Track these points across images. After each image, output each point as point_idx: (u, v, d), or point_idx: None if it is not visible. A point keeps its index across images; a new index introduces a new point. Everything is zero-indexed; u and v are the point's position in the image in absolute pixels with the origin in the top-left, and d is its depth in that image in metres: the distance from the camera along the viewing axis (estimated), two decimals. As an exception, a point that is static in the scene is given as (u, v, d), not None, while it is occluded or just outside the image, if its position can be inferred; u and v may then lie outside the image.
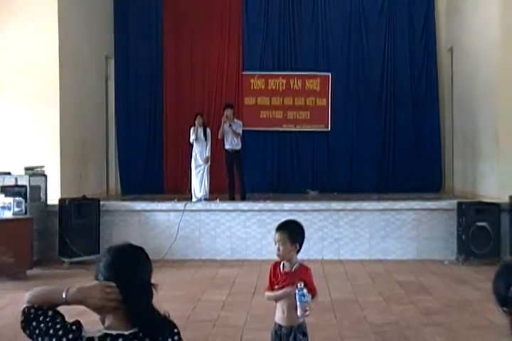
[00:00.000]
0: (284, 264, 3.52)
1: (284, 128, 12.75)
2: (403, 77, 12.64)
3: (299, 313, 3.30)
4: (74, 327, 1.87)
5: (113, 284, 1.90)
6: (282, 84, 12.80)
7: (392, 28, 12.67)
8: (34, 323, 1.88)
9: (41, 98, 9.87)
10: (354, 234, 9.19)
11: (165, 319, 1.94)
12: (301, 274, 3.46)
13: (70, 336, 1.84)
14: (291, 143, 12.73)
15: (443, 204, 9.38)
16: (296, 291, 3.28)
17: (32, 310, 1.91)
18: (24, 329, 1.90)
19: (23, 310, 1.92)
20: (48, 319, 1.88)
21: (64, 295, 1.90)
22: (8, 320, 3.13)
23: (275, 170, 12.57)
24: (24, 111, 9.91)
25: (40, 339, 1.86)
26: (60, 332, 1.85)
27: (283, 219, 3.80)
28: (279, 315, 3.50)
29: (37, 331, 1.87)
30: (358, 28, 12.67)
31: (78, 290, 1.90)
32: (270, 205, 9.39)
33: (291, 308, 3.37)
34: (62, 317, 1.92)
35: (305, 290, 3.27)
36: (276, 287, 3.51)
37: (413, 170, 12.25)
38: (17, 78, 9.90)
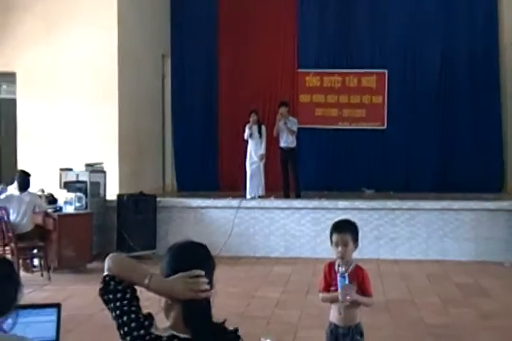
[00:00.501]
0: (339, 264, 3.44)
1: (340, 126, 12.65)
2: (462, 73, 12.31)
3: (339, 296, 3.28)
4: (146, 323, 1.85)
5: (199, 272, 1.86)
6: (338, 82, 12.70)
7: (451, 22, 12.33)
8: (111, 296, 1.88)
9: (101, 96, 10.13)
10: (410, 233, 9.05)
11: (224, 329, 1.89)
12: (358, 275, 3.40)
13: (142, 332, 1.82)
14: (347, 140, 12.62)
15: (504, 204, 9.11)
16: (338, 276, 3.29)
17: (112, 283, 1.91)
18: (102, 296, 1.92)
19: (104, 278, 1.94)
20: (124, 302, 1.87)
21: (146, 281, 1.87)
22: (69, 311, 3.25)
23: (330, 168, 12.48)
24: (85, 109, 10.20)
25: (113, 314, 1.87)
26: (133, 325, 1.84)
27: (336, 219, 3.73)
28: (335, 315, 3.45)
29: (111, 305, 1.88)
30: (415, 23, 12.41)
31: (163, 281, 1.86)
32: (325, 203, 9.35)
33: (349, 309, 3.36)
34: (138, 303, 1.90)
35: (346, 274, 3.28)
36: (332, 288, 3.43)
37: (472, 169, 11.93)
38: (78, 77, 10.20)
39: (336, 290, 3.37)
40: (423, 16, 12.41)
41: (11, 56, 10.43)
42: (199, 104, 12.76)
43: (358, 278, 3.37)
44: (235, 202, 9.43)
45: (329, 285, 3.45)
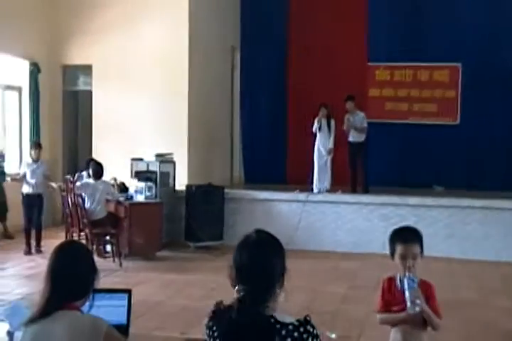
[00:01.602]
0: (401, 279, 2.97)
1: (410, 120, 12.36)
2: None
3: (408, 305, 2.82)
4: None
5: None
6: (409, 76, 12.41)
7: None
8: None
9: (171, 88, 10.32)
10: (483, 232, 8.75)
11: None
12: (424, 291, 2.92)
13: None
14: (417, 135, 12.31)
15: None
16: (405, 279, 2.86)
17: None
18: None
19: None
20: None
21: None
22: (139, 297, 3.33)
23: (399, 163, 12.22)
24: (156, 100, 10.41)
25: None
26: None
27: (397, 226, 3.21)
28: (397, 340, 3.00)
29: None
30: (491, 15, 11.91)
31: None
32: (394, 199, 9.18)
33: (415, 333, 2.93)
34: None
35: (415, 278, 2.84)
36: (394, 308, 2.97)
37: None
38: (150, 69, 10.42)
39: (399, 310, 2.93)
40: (499, 8, 11.91)
41: (88, 49, 10.77)
42: (268, 96, 12.77)
43: (425, 294, 2.90)
44: (302, 196, 9.41)
45: (389, 304, 3.00)
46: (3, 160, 9.74)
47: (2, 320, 3.54)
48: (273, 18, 12.64)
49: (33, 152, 8.60)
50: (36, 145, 8.81)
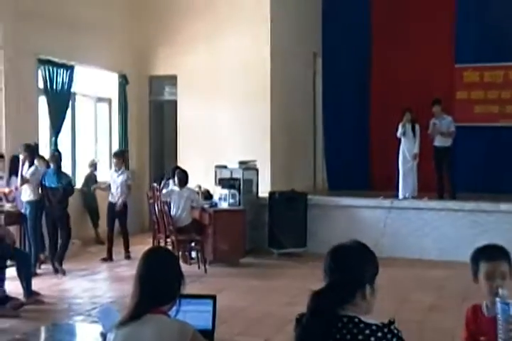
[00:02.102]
0: (487, 306, 2.60)
1: (501, 123, 11.86)
2: None
3: (500, 334, 2.31)
4: None
5: None
6: (500, 77, 11.92)
7: None
8: None
9: (254, 96, 10.45)
10: None
11: None
12: None
13: None
14: (509, 139, 11.79)
15: None
16: (498, 303, 2.35)
17: None
18: None
19: None
20: None
21: None
22: (223, 303, 3.37)
23: (489, 168, 11.71)
24: (239, 109, 10.57)
25: None
26: None
27: (481, 244, 2.76)
28: None
29: None
30: None
31: None
32: (483, 206, 8.81)
33: None
34: None
35: (510, 303, 2.32)
36: (482, 338, 2.59)
37: None
38: (233, 78, 10.61)
39: None
40: None
41: (174, 60, 11.11)
42: (350, 102, 12.63)
43: None
44: (386, 202, 9.22)
45: (475, 334, 2.62)
46: (96, 169, 10.18)
47: (95, 322, 3.70)
48: (355, 22, 12.51)
49: (114, 161, 8.86)
50: (117, 154, 9.02)
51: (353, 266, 2.02)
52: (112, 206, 8.67)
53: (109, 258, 8.43)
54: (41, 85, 9.12)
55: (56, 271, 7.66)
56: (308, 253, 8.71)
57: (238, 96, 10.62)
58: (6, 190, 7.87)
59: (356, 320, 1.95)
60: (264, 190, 9.59)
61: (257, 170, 9.46)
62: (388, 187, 10.66)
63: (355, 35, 12.51)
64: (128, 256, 8.46)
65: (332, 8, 12.61)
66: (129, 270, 7.23)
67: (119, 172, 8.68)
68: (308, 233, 9.16)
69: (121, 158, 8.85)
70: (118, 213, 8.63)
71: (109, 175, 8.96)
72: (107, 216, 8.84)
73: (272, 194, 9.32)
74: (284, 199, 9.12)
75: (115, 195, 8.60)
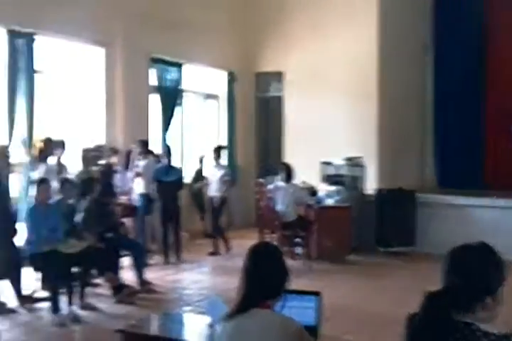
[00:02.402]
0: None
1: None
2: None
3: None
4: None
5: None
6: None
7: None
8: None
9: (361, 91, 10.28)
10: None
11: None
12: None
13: None
14: None
15: None
16: None
17: None
18: None
19: None
20: None
21: None
22: (327, 300, 3.34)
23: None
24: (345, 104, 10.45)
25: None
26: None
27: None
28: None
29: None
30: None
31: None
32: None
33: None
34: None
35: None
36: None
37: None
38: (339, 75, 10.51)
39: None
40: None
41: (280, 57, 11.18)
42: (463, 97, 12.05)
43: None
44: (502, 202, 8.75)
45: None
46: (203, 165, 10.45)
47: (203, 313, 3.81)
48: (469, 11, 11.91)
49: (213, 157, 8.88)
50: (215, 149, 8.98)
51: (473, 271, 1.88)
52: (211, 200, 8.82)
53: (215, 251, 8.63)
54: (153, 83, 9.50)
55: (168, 262, 7.98)
56: (416, 253, 8.47)
57: (345, 91, 10.50)
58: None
59: (474, 327, 1.84)
60: (370, 187, 9.42)
61: (363, 167, 9.31)
62: (504, 186, 10.12)
63: (468, 26, 11.91)
64: (227, 249, 8.59)
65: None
66: (234, 263, 7.37)
67: (218, 167, 8.77)
68: (417, 232, 8.89)
69: (218, 153, 8.88)
70: (215, 208, 8.72)
71: (209, 171, 9.09)
72: (208, 211, 9.05)
73: (378, 191, 9.14)
74: (391, 197, 8.91)
75: (214, 190, 8.70)
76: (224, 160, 8.94)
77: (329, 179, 9.08)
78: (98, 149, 7.85)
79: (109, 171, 7.11)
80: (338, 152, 9.61)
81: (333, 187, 8.61)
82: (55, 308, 5.40)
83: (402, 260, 8.34)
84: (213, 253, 8.58)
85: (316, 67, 10.79)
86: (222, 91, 11.32)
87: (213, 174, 8.78)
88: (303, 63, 10.91)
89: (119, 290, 6.14)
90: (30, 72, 7.32)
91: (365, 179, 9.33)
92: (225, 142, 11.27)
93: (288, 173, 8.17)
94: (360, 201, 9.18)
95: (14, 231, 5.91)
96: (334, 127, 10.56)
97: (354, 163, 9.22)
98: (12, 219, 5.95)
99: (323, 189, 8.82)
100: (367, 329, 5.27)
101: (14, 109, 7.16)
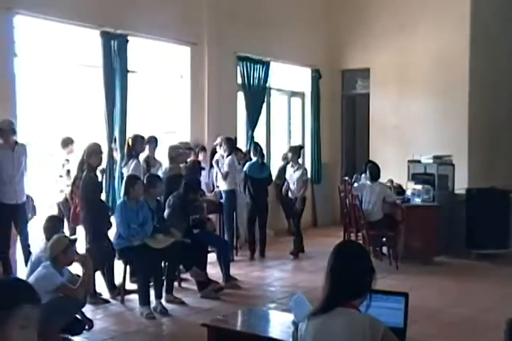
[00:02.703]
0: None
1: None
2: None
3: None
4: None
5: None
6: None
7: None
8: None
9: (451, 88, 9.99)
10: None
11: None
12: None
13: None
14: None
15: None
16: None
17: None
18: None
19: None
20: None
21: None
22: (415, 302, 3.25)
23: None
24: (434, 101, 10.18)
25: None
26: None
27: None
28: None
29: None
30: None
31: None
32: None
33: None
34: None
35: None
36: None
37: None
38: (428, 70, 10.25)
39: None
40: None
41: (366, 54, 11.02)
42: None
43: None
44: None
45: None
46: (288, 163, 10.44)
47: (287, 310, 3.81)
48: None
49: (291, 156, 8.62)
50: (294, 149, 8.70)
51: None
52: (289, 201, 8.62)
53: (297, 250, 8.48)
54: (239, 81, 9.61)
55: (253, 259, 8.06)
56: (510, 255, 8.09)
57: (433, 88, 10.22)
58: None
59: None
60: (460, 186, 9.08)
61: (453, 166, 8.99)
62: None
63: None
64: (297, 252, 8.40)
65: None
66: (319, 262, 7.33)
67: (295, 167, 8.50)
68: (511, 233, 8.48)
69: (298, 153, 8.61)
70: (294, 209, 8.49)
71: (287, 171, 8.78)
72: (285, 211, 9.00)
73: (469, 190, 8.78)
74: (483, 197, 8.54)
75: (293, 191, 8.47)
76: (301, 160, 8.77)
77: (417, 178, 8.85)
78: (184, 146, 8.03)
79: (195, 168, 7.25)
80: (426, 150, 9.36)
81: (421, 186, 8.36)
82: (144, 301, 5.58)
83: (494, 263, 7.98)
84: (295, 252, 8.52)
85: (403, 63, 10.56)
86: (308, 88, 11.29)
87: (291, 174, 8.56)
88: (390, 59, 10.70)
89: (205, 285, 6.26)
90: (124, 72, 7.60)
91: (454, 178, 9.01)
92: (309, 140, 11.25)
93: (374, 172, 8.03)
94: (450, 201, 8.86)
95: (109, 225, 6.15)
96: (422, 125, 10.29)
97: (443, 161, 8.93)
98: (107, 213, 6.19)
99: (410, 188, 8.60)
100: (456, 334, 5.08)
101: (111, 108, 7.46)
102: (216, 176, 8.31)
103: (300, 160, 9.03)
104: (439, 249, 8.16)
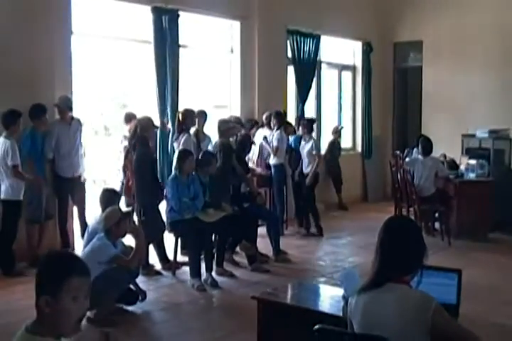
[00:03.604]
0: None
1: None
2: None
3: None
4: None
5: None
6: None
7: None
8: None
9: (505, 59, 9.74)
10: None
11: None
12: None
13: None
14: None
15: None
16: None
17: None
18: None
19: None
20: None
21: None
22: (468, 278, 3.19)
23: None
24: (490, 75, 9.91)
25: None
26: None
27: None
28: None
29: None
30: None
31: None
32: None
33: None
34: None
35: None
36: None
37: None
38: (483, 43, 9.99)
39: None
40: None
41: (419, 26, 10.72)
42: None
43: None
44: None
45: None
46: (340, 136, 10.38)
47: (337, 285, 3.81)
48: None
49: (302, 129, 8.29)
50: (304, 122, 8.32)
51: None
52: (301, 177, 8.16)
53: (320, 228, 8.08)
54: (289, 55, 9.51)
55: (302, 233, 8.07)
56: None
57: (489, 61, 9.89)
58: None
59: None
60: (518, 161, 8.84)
61: (510, 140, 8.73)
62: None
63: None
64: (320, 230, 8.10)
65: None
66: (369, 238, 7.28)
67: (306, 140, 8.16)
68: None
69: (309, 126, 8.22)
70: (305, 185, 8.06)
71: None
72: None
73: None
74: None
75: (305, 165, 8.12)
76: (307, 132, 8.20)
77: (471, 152, 8.65)
78: (235, 120, 8.03)
79: (246, 142, 7.25)
80: (481, 124, 9.10)
81: (475, 161, 8.15)
82: (195, 273, 5.69)
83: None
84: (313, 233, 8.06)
85: (458, 35, 10.23)
86: (359, 62, 11.10)
87: (301, 147, 8.17)
88: (444, 31, 10.38)
89: (255, 258, 6.33)
90: (175, 46, 7.62)
91: (511, 153, 8.75)
92: (360, 114, 11.10)
93: (426, 146, 7.87)
94: (506, 176, 8.63)
95: (161, 199, 6.26)
96: (477, 98, 10.00)
97: (499, 135, 8.68)
98: (160, 187, 6.29)
99: (464, 162, 8.40)
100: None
101: (162, 83, 7.52)
102: (261, 152, 8.16)
103: (314, 134, 8.75)
104: (493, 226, 7.98)
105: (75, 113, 6.67)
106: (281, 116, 8.19)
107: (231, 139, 7.23)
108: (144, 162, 6.12)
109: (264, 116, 8.46)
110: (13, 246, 5.90)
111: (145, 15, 7.47)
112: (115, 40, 7.72)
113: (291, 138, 8.31)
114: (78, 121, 6.63)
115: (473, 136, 8.89)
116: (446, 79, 10.41)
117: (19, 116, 5.87)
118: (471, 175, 8.10)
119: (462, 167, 8.38)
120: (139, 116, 6.78)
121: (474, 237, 7.76)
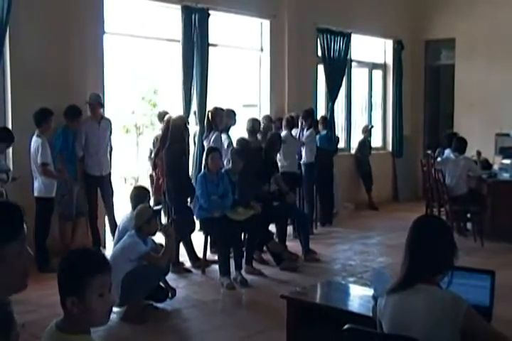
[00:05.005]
0: None
1: None
2: None
3: None
4: None
5: None
6: None
7: None
8: None
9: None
10: None
11: None
12: None
13: None
14: None
15: None
16: None
17: None
18: None
19: None
20: None
21: None
22: (502, 280, 3.12)
23: None
24: (498, 72, 9.66)
25: None
26: None
27: None
28: None
29: None
30: None
31: None
32: None
33: None
34: None
35: None
36: None
37: None
38: (484, 41, 9.72)
39: None
40: None
41: (452, 23, 10.57)
42: None
43: None
44: None
45: None
46: (370, 135, 10.29)
47: (367, 285, 3.78)
48: None
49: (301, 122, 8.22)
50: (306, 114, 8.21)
51: None
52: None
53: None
54: (319, 53, 9.46)
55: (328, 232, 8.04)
56: None
57: (495, 60, 9.72)
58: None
59: None
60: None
61: (545, 139, 8.55)
62: None
63: None
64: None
65: None
66: (399, 237, 7.21)
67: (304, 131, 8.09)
68: None
69: (308, 118, 8.11)
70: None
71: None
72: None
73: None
74: None
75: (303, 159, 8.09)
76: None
77: (505, 152, 8.47)
78: (265, 119, 8.01)
79: (276, 141, 7.23)
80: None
81: (509, 161, 7.99)
82: (225, 271, 5.70)
83: None
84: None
85: (491, 32, 10.07)
86: (389, 60, 10.99)
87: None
88: (477, 29, 10.22)
89: (281, 257, 6.31)
90: (205, 45, 7.65)
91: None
92: (391, 113, 11.00)
93: (459, 145, 7.75)
94: (541, 176, 8.44)
95: (191, 197, 6.27)
96: (511, 96, 9.80)
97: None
98: (191, 185, 6.31)
99: (498, 162, 8.25)
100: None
101: (190, 82, 7.54)
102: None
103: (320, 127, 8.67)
104: (528, 227, 7.81)
105: (107, 112, 6.74)
106: (309, 114, 8.15)
107: (259, 138, 7.21)
108: (177, 160, 6.15)
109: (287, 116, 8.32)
110: (47, 242, 6.00)
111: (175, 14, 7.52)
112: (146, 40, 7.78)
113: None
114: (108, 120, 6.70)
115: (508, 135, 8.74)
116: (479, 77, 10.24)
117: (50, 114, 5.96)
118: (505, 175, 7.94)
119: (496, 166, 8.23)
120: (171, 115, 6.82)
121: (508, 238, 7.61)
